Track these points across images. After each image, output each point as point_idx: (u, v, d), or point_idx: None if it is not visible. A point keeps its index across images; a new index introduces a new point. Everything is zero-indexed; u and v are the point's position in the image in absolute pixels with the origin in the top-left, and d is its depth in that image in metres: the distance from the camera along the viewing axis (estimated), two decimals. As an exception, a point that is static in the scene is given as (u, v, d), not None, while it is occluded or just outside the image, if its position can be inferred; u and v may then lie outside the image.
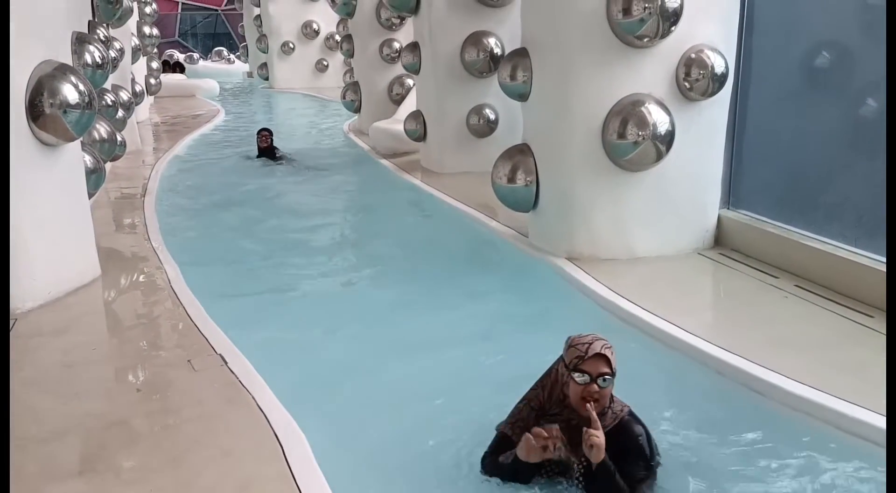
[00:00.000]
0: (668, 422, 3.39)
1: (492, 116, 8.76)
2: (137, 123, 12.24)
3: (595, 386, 2.76)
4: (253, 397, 3.42)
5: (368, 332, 4.56)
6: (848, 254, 4.63)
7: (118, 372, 3.89)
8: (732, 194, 5.69)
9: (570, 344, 2.89)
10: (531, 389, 3.02)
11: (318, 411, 3.46)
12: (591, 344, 2.83)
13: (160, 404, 3.48)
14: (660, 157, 5.13)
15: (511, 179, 5.64)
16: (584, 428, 2.71)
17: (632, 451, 2.81)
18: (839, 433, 3.20)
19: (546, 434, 2.74)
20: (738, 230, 5.51)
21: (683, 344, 4.05)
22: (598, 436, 2.68)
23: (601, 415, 2.80)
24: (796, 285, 4.77)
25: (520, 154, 5.62)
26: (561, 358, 2.94)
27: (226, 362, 3.82)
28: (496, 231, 6.51)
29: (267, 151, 10.88)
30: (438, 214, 7.65)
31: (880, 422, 3.12)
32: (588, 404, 2.73)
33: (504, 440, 2.94)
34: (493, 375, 3.88)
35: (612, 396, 2.87)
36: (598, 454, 2.68)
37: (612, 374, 2.80)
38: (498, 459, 2.92)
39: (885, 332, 4.05)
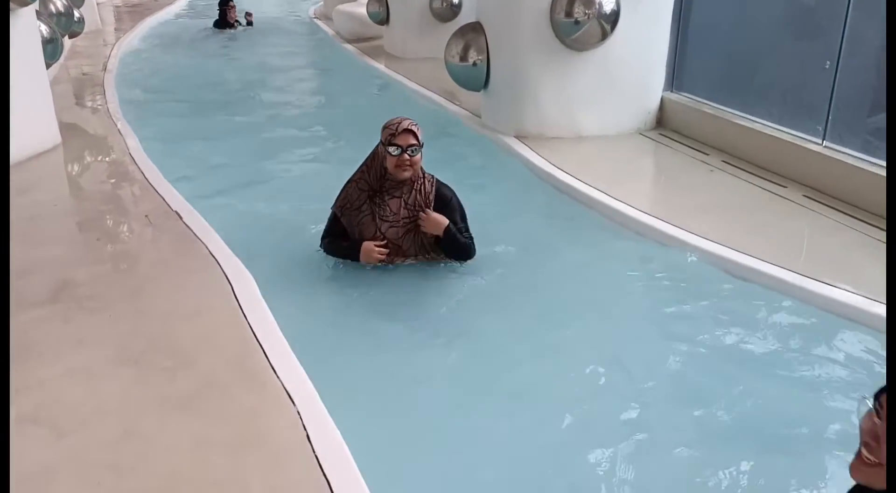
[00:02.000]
0: (600, 275, 3.74)
1: (455, 0, 8.75)
2: (98, 3, 11.97)
3: (406, 156, 3.42)
4: (205, 245, 3.70)
5: (318, 204, 4.79)
6: (771, 131, 4.93)
7: (80, 225, 4.13)
8: (676, 78, 5.91)
9: (384, 126, 3.50)
10: (356, 172, 3.60)
11: (265, 257, 3.73)
12: (399, 123, 3.45)
13: (119, 249, 3.75)
14: (605, 36, 5.30)
15: (463, 58, 5.79)
16: (420, 214, 3.49)
17: (454, 208, 3.62)
18: (739, 281, 3.56)
19: (381, 254, 3.48)
20: (679, 112, 5.76)
21: (613, 211, 4.37)
22: (430, 215, 3.47)
23: (419, 182, 3.54)
24: (724, 161, 5.08)
25: (472, 32, 5.75)
26: (379, 142, 3.53)
27: (181, 217, 4.07)
28: (453, 113, 6.69)
29: (230, 23, 11.31)
30: (399, 97, 7.77)
31: (772, 270, 3.49)
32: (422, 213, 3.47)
33: (336, 221, 3.61)
34: None
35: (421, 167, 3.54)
36: (439, 227, 3.48)
37: (420, 145, 3.44)
38: (336, 242, 3.61)
39: (796, 200, 4.41)
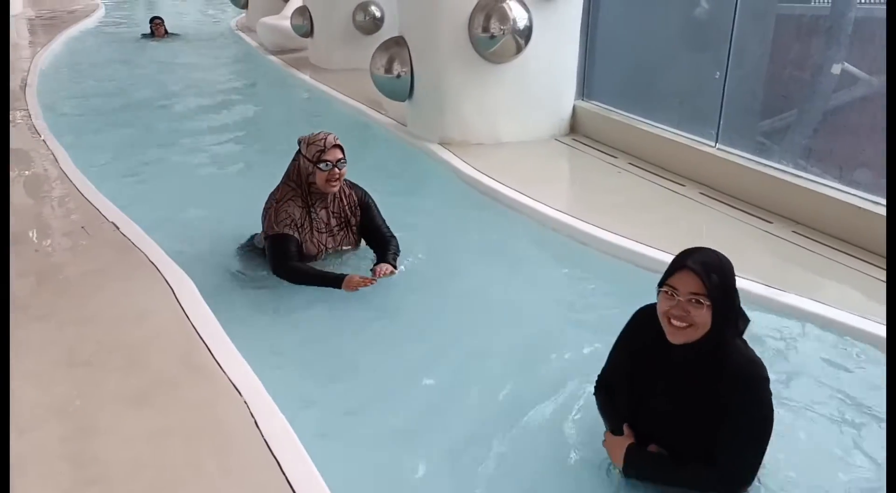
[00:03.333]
0: (517, 263, 4.10)
1: (377, 14, 9.04)
2: (12, 16, 11.75)
3: (336, 170, 3.56)
4: (143, 252, 3.86)
5: (245, 211, 4.98)
6: (671, 135, 5.40)
7: (15, 237, 4.20)
8: (586, 87, 6.34)
9: (308, 142, 3.59)
10: (281, 190, 3.68)
11: (204, 262, 3.92)
12: (325, 138, 3.57)
13: (59, 260, 3.88)
14: (519, 50, 5.68)
15: (388, 70, 6.07)
16: (372, 269, 3.60)
17: (374, 210, 3.86)
18: (643, 271, 3.92)
19: (362, 284, 3.49)
20: (590, 119, 6.19)
21: (531, 210, 4.72)
22: (383, 271, 3.58)
23: (345, 192, 3.74)
24: (630, 163, 5.53)
25: (396, 46, 6.04)
26: (298, 157, 3.63)
27: (117, 227, 4.20)
28: (380, 122, 6.96)
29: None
30: (326, 107, 7.99)
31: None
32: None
33: (288, 241, 3.61)
34: None
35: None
36: (391, 270, 3.59)
37: (345, 159, 3.59)
38: (303, 268, 3.62)
39: (693, 197, 4.86)
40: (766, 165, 4.74)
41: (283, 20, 10.30)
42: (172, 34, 12.07)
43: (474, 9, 5.59)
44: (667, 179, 5.17)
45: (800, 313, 3.36)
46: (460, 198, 5.21)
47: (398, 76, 6.03)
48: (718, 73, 5.03)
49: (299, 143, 3.68)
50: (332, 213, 3.73)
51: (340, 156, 3.59)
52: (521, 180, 5.14)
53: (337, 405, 2.86)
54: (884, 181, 4.24)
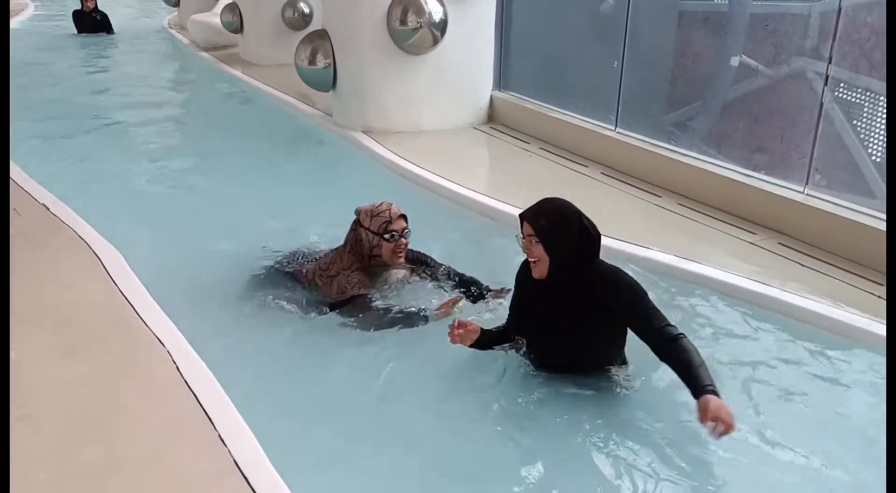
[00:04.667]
0: (437, 241, 4.39)
1: (306, 10, 9.28)
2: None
3: (403, 240, 3.46)
4: (73, 229, 4.06)
5: (174, 191, 5.21)
6: (577, 121, 5.83)
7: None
8: (502, 78, 6.73)
9: (372, 215, 3.45)
10: (344, 260, 3.48)
11: (143, 243, 4.15)
12: (389, 209, 3.47)
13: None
14: (436, 42, 6.03)
15: (311, 62, 6.35)
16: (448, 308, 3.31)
17: (428, 259, 3.74)
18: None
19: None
20: (506, 108, 6.57)
21: (449, 191, 5.06)
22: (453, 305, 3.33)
23: (406, 259, 3.57)
24: (541, 148, 5.93)
25: (319, 39, 6.32)
26: (357, 229, 3.47)
27: (48, 208, 4.39)
28: (308, 114, 7.22)
29: (89, 23, 11.52)
30: (257, 101, 8.20)
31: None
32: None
33: (362, 298, 3.42)
34: (308, 216, 4.73)
35: None
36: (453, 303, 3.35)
37: (409, 227, 3.48)
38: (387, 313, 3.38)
39: (595, 177, 5.28)
40: (656, 146, 5.20)
41: (214, 17, 10.45)
42: (102, 12, 12.00)
43: (392, 2, 5.92)
44: (573, 161, 5.59)
45: (680, 272, 3.78)
46: (383, 182, 5.52)
47: (322, 67, 6.32)
48: (616, 62, 5.47)
49: (357, 214, 3.53)
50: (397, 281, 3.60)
51: (405, 225, 3.48)
52: (441, 165, 5.48)
53: (253, 355, 3.15)
54: (776, 161, 4.74)
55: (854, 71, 4.36)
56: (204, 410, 2.55)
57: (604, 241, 4.12)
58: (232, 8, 9.69)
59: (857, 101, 4.67)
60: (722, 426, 2.33)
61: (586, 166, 5.48)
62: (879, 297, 3.59)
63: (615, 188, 5.08)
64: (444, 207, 4.97)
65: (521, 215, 2.82)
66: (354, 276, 3.45)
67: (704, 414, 2.35)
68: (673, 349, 2.56)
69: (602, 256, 4.07)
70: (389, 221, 3.43)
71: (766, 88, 5.35)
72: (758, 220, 4.39)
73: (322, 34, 6.34)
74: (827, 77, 4.31)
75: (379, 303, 3.40)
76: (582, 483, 2.46)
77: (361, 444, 2.60)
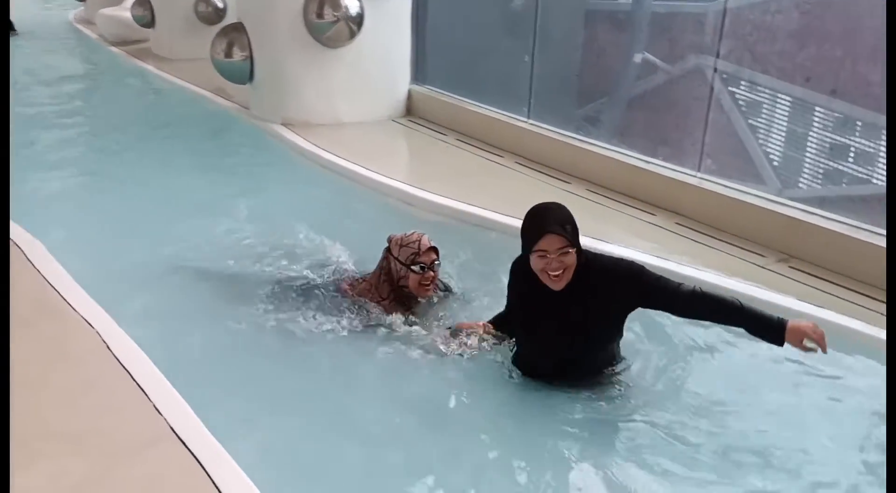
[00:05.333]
0: (353, 221, 4.61)
1: (220, 4, 9.22)
2: None
3: (431, 273, 3.37)
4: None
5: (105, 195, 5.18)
6: (491, 113, 6.09)
7: None
8: (419, 72, 6.92)
9: (401, 244, 3.38)
10: (375, 290, 3.46)
11: (63, 237, 4.14)
12: (419, 240, 3.38)
13: None
14: (353, 35, 6.17)
15: (228, 54, 6.39)
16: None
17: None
18: (469, 226, 4.50)
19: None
20: (423, 101, 6.77)
21: (369, 180, 5.23)
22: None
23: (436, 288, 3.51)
24: (458, 139, 6.16)
25: (234, 31, 6.37)
26: (388, 257, 3.42)
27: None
28: (225, 107, 7.22)
29: None
30: (171, 96, 8.12)
31: (488, 214, 4.50)
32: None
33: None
34: (229, 209, 4.82)
35: None
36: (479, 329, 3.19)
37: (439, 260, 3.42)
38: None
39: (510, 166, 5.55)
40: (565, 136, 5.51)
41: (124, 11, 10.24)
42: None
43: (309, -4, 6.03)
44: (488, 151, 5.84)
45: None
46: (304, 174, 5.65)
47: (238, 60, 6.37)
48: (527, 57, 5.75)
49: (389, 242, 3.48)
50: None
51: (435, 257, 3.40)
52: (361, 156, 5.62)
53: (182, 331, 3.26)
54: (673, 149, 5.09)
55: (739, 64, 4.75)
56: (137, 383, 2.64)
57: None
58: (143, 2, 9.53)
59: (746, 93, 5.09)
60: (819, 343, 2.50)
61: (501, 156, 5.74)
62: (762, 267, 3.97)
63: (528, 176, 5.35)
64: (365, 196, 5.13)
65: (544, 231, 2.60)
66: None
67: (797, 341, 2.52)
68: (706, 300, 2.64)
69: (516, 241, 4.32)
70: (418, 253, 3.35)
71: (666, 83, 5.72)
72: (657, 202, 4.74)
73: (238, 27, 6.38)
74: (715, 70, 4.69)
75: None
76: (588, 482, 2.52)
77: (287, 404, 2.76)
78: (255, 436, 2.57)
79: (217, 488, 2.16)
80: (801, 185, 4.72)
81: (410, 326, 3.33)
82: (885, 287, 3.65)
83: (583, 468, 2.58)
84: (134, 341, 2.93)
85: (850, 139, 4.47)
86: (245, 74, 6.45)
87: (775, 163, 4.87)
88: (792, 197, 4.38)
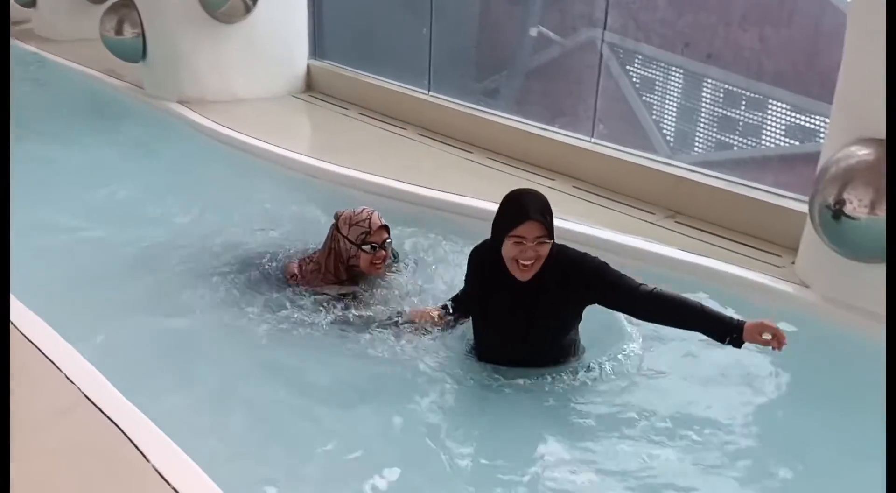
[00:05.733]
0: (265, 201, 4.60)
1: (106, -18, 8.86)
2: None
3: (383, 252, 3.27)
4: None
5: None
6: (393, 86, 6.17)
7: None
8: (318, 47, 6.91)
9: (350, 223, 3.26)
10: (320, 269, 3.37)
11: None
12: (370, 219, 3.26)
13: None
14: (248, 10, 6.11)
15: (118, 32, 6.21)
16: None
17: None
18: (373, 195, 4.53)
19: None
20: (323, 76, 6.77)
21: (271, 154, 5.24)
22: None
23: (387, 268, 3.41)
24: (360, 113, 6.21)
25: (124, 8, 6.18)
26: (335, 234, 3.30)
27: None
28: (116, 87, 6.99)
29: None
30: (58, 78, 7.78)
31: (392, 183, 4.60)
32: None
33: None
34: (132, 190, 4.78)
35: None
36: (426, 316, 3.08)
37: (391, 238, 3.31)
38: None
39: (413, 137, 5.65)
40: (466, 106, 5.65)
41: (0, -12, 9.67)
42: None
43: (202, -29, 5.91)
44: (391, 124, 5.93)
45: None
46: (204, 150, 5.58)
47: (129, 37, 6.19)
48: (425, 30, 5.85)
49: (336, 218, 3.36)
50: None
51: (386, 236, 3.30)
52: (262, 131, 5.59)
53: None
54: (569, 116, 5.30)
55: (625, 34, 5.01)
56: (46, 356, 2.61)
57: (432, 194, 4.54)
58: (21, -21, 9.05)
59: (633, 61, 5.36)
60: (776, 334, 2.47)
61: (404, 128, 5.83)
62: (651, 223, 4.24)
63: (431, 146, 5.47)
64: (267, 171, 5.14)
65: (525, 217, 2.54)
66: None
67: (757, 336, 2.49)
68: (663, 303, 2.60)
69: (429, 207, 4.46)
70: (369, 232, 3.25)
71: (561, 56, 5.95)
72: (555, 167, 4.96)
73: (128, 3, 6.19)
74: (603, 40, 4.94)
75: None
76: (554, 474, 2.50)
77: (213, 374, 2.81)
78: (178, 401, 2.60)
79: (138, 449, 2.18)
80: (693, 149, 5.04)
81: (360, 310, 3.21)
82: (762, 236, 4.00)
83: (540, 454, 2.56)
84: (39, 317, 2.88)
85: (733, 109, 4.81)
86: (137, 52, 6.28)
87: (664, 128, 5.18)
88: (682, 160, 4.67)
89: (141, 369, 2.82)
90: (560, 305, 2.72)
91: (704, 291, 3.19)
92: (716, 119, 4.93)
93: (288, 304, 3.31)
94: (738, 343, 2.58)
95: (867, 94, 3.18)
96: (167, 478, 2.05)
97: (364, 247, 3.24)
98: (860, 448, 2.53)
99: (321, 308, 3.24)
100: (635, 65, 5.25)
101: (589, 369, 2.89)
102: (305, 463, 2.46)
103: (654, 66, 5.25)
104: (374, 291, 3.38)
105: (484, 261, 2.77)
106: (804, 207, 3.43)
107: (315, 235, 3.90)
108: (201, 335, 3.17)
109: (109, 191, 4.78)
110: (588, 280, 2.67)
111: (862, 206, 3.02)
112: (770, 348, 2.56)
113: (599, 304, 2.74)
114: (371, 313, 3.19)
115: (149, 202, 4.59)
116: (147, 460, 2.11)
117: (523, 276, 2.61)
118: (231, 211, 4.47)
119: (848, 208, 3.04)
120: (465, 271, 2.97)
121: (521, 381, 2.82)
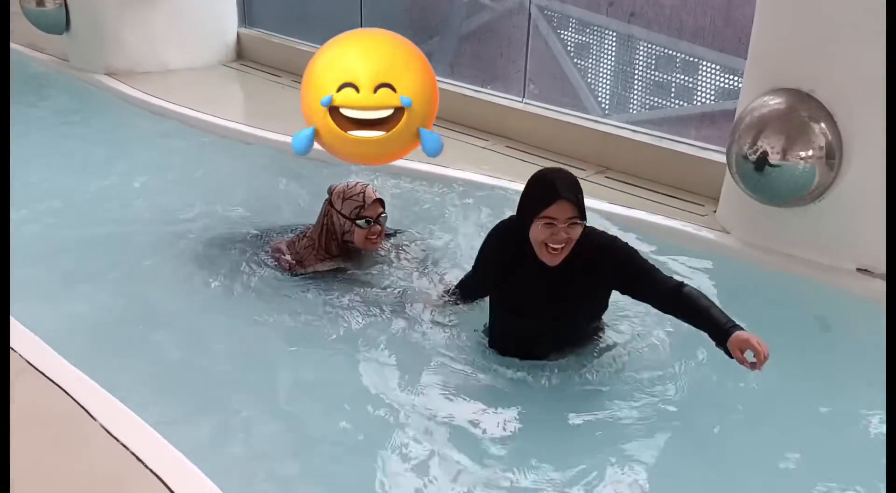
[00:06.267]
0: (197, 169, 4.59)
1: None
2: None
3: (378, 226, 3.17)
4: None
5: None
6: (324, 52, 6.12)
7: None
8: (247, 15, 6.82)
9: (344, 197, 3.15)
10: (312, 248, 3.23)
11: None
12: (364, 192, 3.16)
13: None
14: (174, -23, 5.99)
15: (40, 3, 6.01)
16: None
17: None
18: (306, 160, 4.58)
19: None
20: (254, 44, 6.70)
21: (205, 123, 5.22)
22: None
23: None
24: (293, 81, 6.17)
25: (44, -23, 5.98)
26: (329, 209, 3.19)
27: None
28: (39, 60, 6.78)
29: None
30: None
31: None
32: None
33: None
34: (68, 167, 4.66)
35: None
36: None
37: (385, 212, 3.20)
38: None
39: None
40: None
41: None
42: None
43: (122, -62, 5.76)
44: (324, 90, 5.92)
45: (433, 176, 4.33)
46: (136, 122, 5.51)
47: (51, 8, 6.00)
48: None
49: (330, 193, 3.26)
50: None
51: (381, 210, 3.19)
52: (194, 101, 5.54)
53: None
54: (500, 78, 5.38)
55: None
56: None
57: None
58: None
59: (568, 27, 5.45)
60: (757, 351, 2.22)
61: (333, 94, 5.84)
62: (582, 178, 4.28)
63: (365, 111, 5.50)
64: (201, 140, 5.10)
65: (556, 196, 2.34)
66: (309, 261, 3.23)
67: (736, 350, 2.25)
68: (681, 301, 2.44)
69: (376, 171, 4.49)
70: (363, 206, 3.14)
71: (493, 19, 6.01)
72: (489, 128, 5.07)
73: (47, -28, 6.00)
74: (530, 2, 5.03)
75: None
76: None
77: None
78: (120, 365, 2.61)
79: (86, 411, 2.22)
80: (627, 109, 5.18)
81: (355, 291, 3.10)
82: (686, 188, 4.19)
83: (577, 440, 2.41)
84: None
85: (666, 73, 4.94)
86: (60, 23, 6.10)
87: (596, 90, 5.31)
88: (618, 120, 4.82)
89: (89, 340, 2.81)
90: (589, 291, 2.55)
91: (634, 241, 3.34)
92: (647, 81, 5.08)
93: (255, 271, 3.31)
94: (721, 344, 2.36)
95: (778, 46, 3.36)
96: (116, 436, 2.10)
97: (358, 222, 3.14)
98: (789, 378, 2.64)
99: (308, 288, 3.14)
100: (569, 30, 5.35)
101: (615, 357, 2.72)
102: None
103: (586, 30, 5.37)
104: (370, 268, 3.28)
105: (509, 241, 2.56)
106: (724, 159, 3.62)
107: (256, 201, 3.96)
108: (159, 306, 3.14)
109: (45, 167, 4.64)
110: (616, 266, 2.51)
111: (774, 153, 3.20)
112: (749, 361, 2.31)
113: (622, 291, 2.58)
114: (367, 293, 3.09)
115: (89, 176, 4.50)
116: (94, 419, 2.15)
117: (553, 261, 2.42)
118: (170, 179, 4.45)
119: (761, 156, 3.22)
120: (479, 254, 2.76)
121: (543, 371, 2.62)
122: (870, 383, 2.49)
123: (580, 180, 3.72)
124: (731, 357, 2.32)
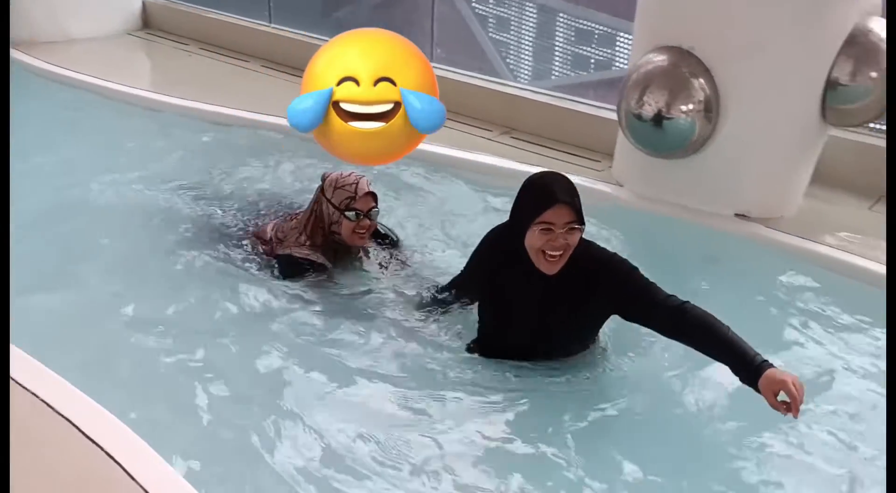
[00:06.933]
0: (109, 137, 4.54)
1: None
2: None
3: (367, 221, 3.01)
4: None
5: None
6: (233, 19, 6.15)
7: None
8: (152, -18, 6.67)
9: (336, 186, 3.00)
10: (299, 234, 3.09)
11: None
12: (357, 183, 3.00)
13: None
14: (72, -57, 5.81)
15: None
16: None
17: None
18: (219, 127, 4.62)
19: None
20: (161, 13, 6.58)
21: (112, 91, 5.13)
22: None
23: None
24: (201, 48, 6.13)
25: (-70, -59, 5.70)
26: (320, 197, 3.04)
27: None
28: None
29: None
30: None
31: (239, 113, 4.65)
32: None
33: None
34: None
35: None
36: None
37: (378, 207, 3.04)
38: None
39: (257, 69, 5.67)
40: (310, 37, 5.73)
41: None
42: None
43: None
44: (234, 58, 5.91)
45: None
46: (39, 93, 5.32)
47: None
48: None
49: (323, 179, 3.10)
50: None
51: (373, 204, 3.04)
52: (100, 70, 5.42)
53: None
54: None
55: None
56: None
57: (276, 120, 4.56)
58: None
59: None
60: (794, 397, 1.98)
61: (247, 61, 5.84)
62: (489, 139, 4.57)
63: (276, 78, 5.53)
64: (108, 108, 5.03)
65: (553, 200, 2.21)
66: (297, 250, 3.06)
67: (769, 393, 2.03)
68: (686, 324, 2.24)
69: (269, 130, 4.54)
70: (353, 197, 2.99)
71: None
72: (399, 93, 5.14)
73: (-67, -64, 5.72)
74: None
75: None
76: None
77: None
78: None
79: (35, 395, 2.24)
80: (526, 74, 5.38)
81: (334, 290, 3.00)
82: (585, 146, 4.42)
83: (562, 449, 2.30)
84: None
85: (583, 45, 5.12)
86: (-50, -11, 5.84)
87: (503, 53, 5.48)
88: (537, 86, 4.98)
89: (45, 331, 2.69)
90: (583, 305, 2.40)
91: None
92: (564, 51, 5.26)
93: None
94: (752, 384, 2.12)
95: (661, 5, 3.57)
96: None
97: (347, 213, 2.99)
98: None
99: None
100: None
101: (609, 364, 2.62)
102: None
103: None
104: (353, 271, 3.14)
105: (502, 248, 2.45)
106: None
107: (170, 165, 3.96)
108: (104, 290, 3.03)
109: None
110: (616, 283, 2.36)
111: (659, 108, 3.42)
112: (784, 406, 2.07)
113: (621, 314, 2.42)
114: (351, 295, 2.98)
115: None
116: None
117: (551, 269, 2.29)
118: (82, 151, 4.39)
119: (647, 111, 3.44)
120: (472, 257, 2.66)
121: (533, 378, 2.52)
122: (752, 305, 3.01)
123: (487, 141, 3.70)
124: (759, 392, 2.09)
